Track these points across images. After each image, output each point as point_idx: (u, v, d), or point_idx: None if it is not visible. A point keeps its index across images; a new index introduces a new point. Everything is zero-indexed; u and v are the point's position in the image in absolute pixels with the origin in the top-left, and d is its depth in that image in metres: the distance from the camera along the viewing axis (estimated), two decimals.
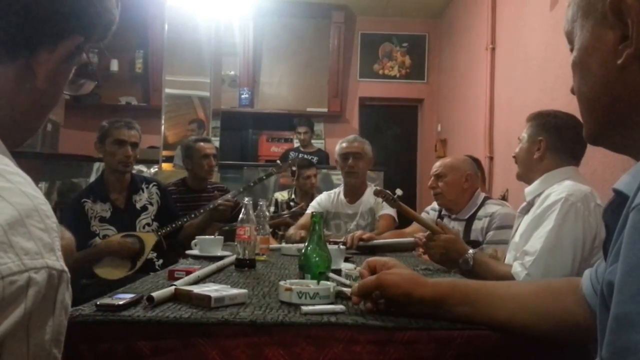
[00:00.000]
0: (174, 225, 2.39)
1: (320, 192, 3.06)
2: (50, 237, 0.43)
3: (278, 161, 2.99)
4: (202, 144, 2.77)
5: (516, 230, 1.66)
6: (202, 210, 2.46)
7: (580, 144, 1.61)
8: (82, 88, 0.63)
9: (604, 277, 0.51)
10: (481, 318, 0.84)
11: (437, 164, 2.18)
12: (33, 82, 0.52)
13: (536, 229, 1.48)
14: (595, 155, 2.18)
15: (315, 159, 4.32)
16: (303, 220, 2.56)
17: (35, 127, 0.57)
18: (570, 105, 2.51)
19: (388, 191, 1.93)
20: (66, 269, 0.43)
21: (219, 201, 2.45)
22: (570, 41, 0.61)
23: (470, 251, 1.61)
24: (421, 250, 1.95)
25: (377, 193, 1.95)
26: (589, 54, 0.56)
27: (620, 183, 0.53)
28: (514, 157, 1.72)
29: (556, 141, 1.60)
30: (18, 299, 0.39)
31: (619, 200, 0.51)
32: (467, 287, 0.88)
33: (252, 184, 2.66)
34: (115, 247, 2.22)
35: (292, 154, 4.58)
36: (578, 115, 0.64)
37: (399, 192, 1.92)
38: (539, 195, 1.56)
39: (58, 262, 0.42)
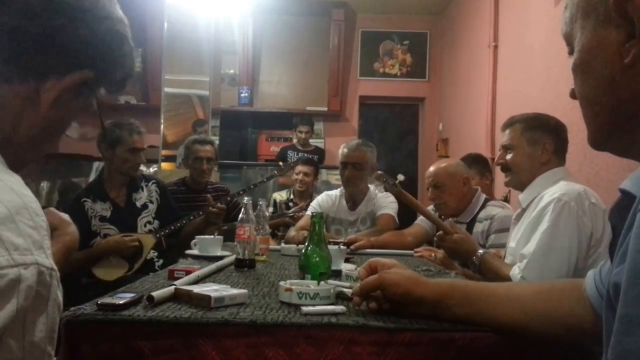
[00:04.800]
0: (172, 227, 2.38)
1: (318, 192, 3.03)
2: (39, 234, 0.43)
3: (281, 163, 2.97)
4: (198, 146, 2.75)
5: (511, 236, 1.65)
6: (199, 213, 2.44)
7: (567, 143, 1.62)
8: (86, 134, 0.65)
9: (610, 278, 0.50)
10: (481, 319, 0.84)
11: (431, 172, 2.10)
12: (37, 107, 0.53)
13: (533, 231, 1.47)
14: (599, 156, 2.17)
15: (315, 157, 4.32)
16: (303, 221, 2.49)
17: (38, 153, 0.58)
18: (574, 103, 2.50)
19: (389, 176, 1.84)
20: (55, 267, 0.44)
21: (212, 208, 2.39)
22: (569, 43, 0.59)
23: (480, 251, 1.61)
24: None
25: (377, 177, 1.88)
26: (592, 55, 0.55)
27: (627, 183, 0.52)
28: (502, 164, 1.66)
29: (558, 142, 1.59)
30: (9, 293, 0.39)
31: (626, 201, 0.51)
32: (467, 288, 0.88)
33: (253, 186, 2.65)
34: (112, 245, 2.21)
35: (290, 153, 4.58)
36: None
37: (400, 177, 1.84)
38: (533, 199, 1.56)
39: (47, 259, 0.43)
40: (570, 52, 0.60)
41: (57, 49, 0.52)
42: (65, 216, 0.84)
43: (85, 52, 0.54)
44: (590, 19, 0.54)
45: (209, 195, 2.47)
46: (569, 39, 0.59)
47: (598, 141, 0.58)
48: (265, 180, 2.66)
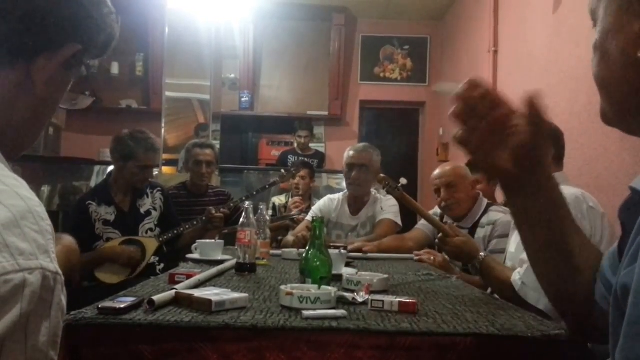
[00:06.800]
0: (175, 232, 2.38)
1: (319, 197, 3.04)
2: (44, 239, 0.43)
3: (282, 171, 2.99)
4: (198, 149, 2.75)
5: (511, 240, 1.65)
6: (202, 218, 2.44)
7: (564, 149, 1.62)
8: (78, 103, 0.64)
9: (619, 279, 0.49)
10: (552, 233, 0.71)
11: (442, 173, 2.07)
12: (31, 88, 0.53)
13: None
14: (599, 161, 2.17)
15: (315, 162, 4.33)
16: (300, 227, 2.48)
17: (35, 135, 0.58)
18: (573, 108, 2.51)
19: (391, 179, 1.84)
20: (60, 271, 0.44)
21: (213, 213, 2.41)
22: (594, 19, 0.59)
23: (482, 254, 1.61)
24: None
25: (380, 180, 1.87)
26: (610, 39, 0.54)
27: (638, 182, 0.52)
28: None
29: (556, 148, 1.60)
30: (14, 299, 0.39)
31: (637, 199, 0.51)
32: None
33: (255, 193, 2.67)
34: (117, 255, 2.22)
35: (290, 157, 4.59)
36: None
37: (403, 181, 1.83)
38: None
39: (52, 264, 0.43)
40: (595, 26, 0.59)
41: (43, 27, 0.52)
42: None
43: (70, 26, 0.54)
44: (614, 2, 0.54)
45: (210, 208, 2.46)
46: (593, 16, 0.59)
47: (608, 118, 0.58)
48: (267, 187, 2.71)
